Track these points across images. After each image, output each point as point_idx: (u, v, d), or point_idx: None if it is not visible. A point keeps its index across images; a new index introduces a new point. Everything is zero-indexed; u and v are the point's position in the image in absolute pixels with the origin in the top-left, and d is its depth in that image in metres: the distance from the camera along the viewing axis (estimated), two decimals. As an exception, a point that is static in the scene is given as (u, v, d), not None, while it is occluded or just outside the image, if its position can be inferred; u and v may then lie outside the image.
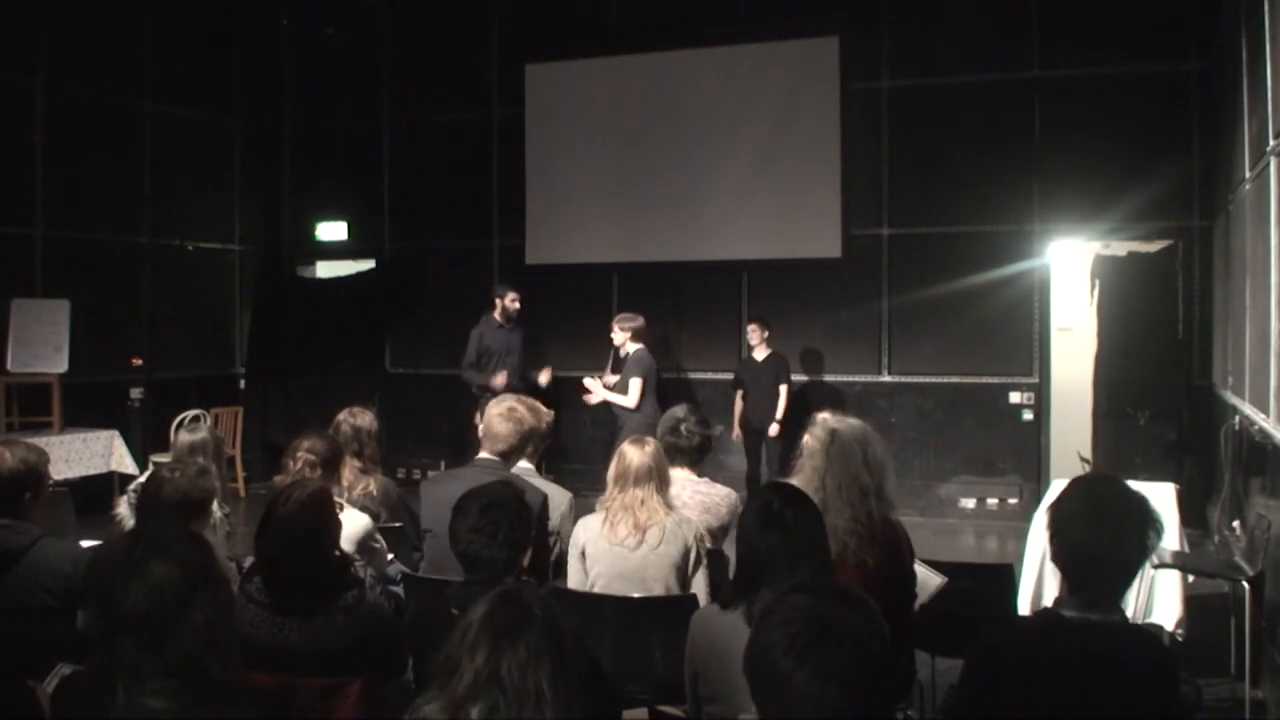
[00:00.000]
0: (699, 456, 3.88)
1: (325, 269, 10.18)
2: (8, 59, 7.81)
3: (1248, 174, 5.34)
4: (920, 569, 3.22)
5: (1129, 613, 4.06)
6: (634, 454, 3.45)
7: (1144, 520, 2.08)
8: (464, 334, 7.80)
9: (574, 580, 3.45)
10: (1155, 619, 4.42)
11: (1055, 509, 2.14)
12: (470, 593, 2.32)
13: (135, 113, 8.78)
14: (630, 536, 3.34)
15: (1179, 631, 4.43)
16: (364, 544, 3.60)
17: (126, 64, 8.73)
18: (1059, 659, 2.03)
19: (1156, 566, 4.38)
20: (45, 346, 7.61)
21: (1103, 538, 2.05)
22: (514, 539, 2.66)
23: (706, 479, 3.91)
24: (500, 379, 7.38)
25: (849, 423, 3.06)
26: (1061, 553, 2.11)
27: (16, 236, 7.90)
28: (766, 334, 7.69)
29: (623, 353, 7.26)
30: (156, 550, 1.81)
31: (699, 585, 3.34)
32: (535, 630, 1.74)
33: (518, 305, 7.81)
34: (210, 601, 1.79)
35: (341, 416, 4.35)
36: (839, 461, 2.97)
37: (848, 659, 1.55)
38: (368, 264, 9.78)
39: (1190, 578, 4.63)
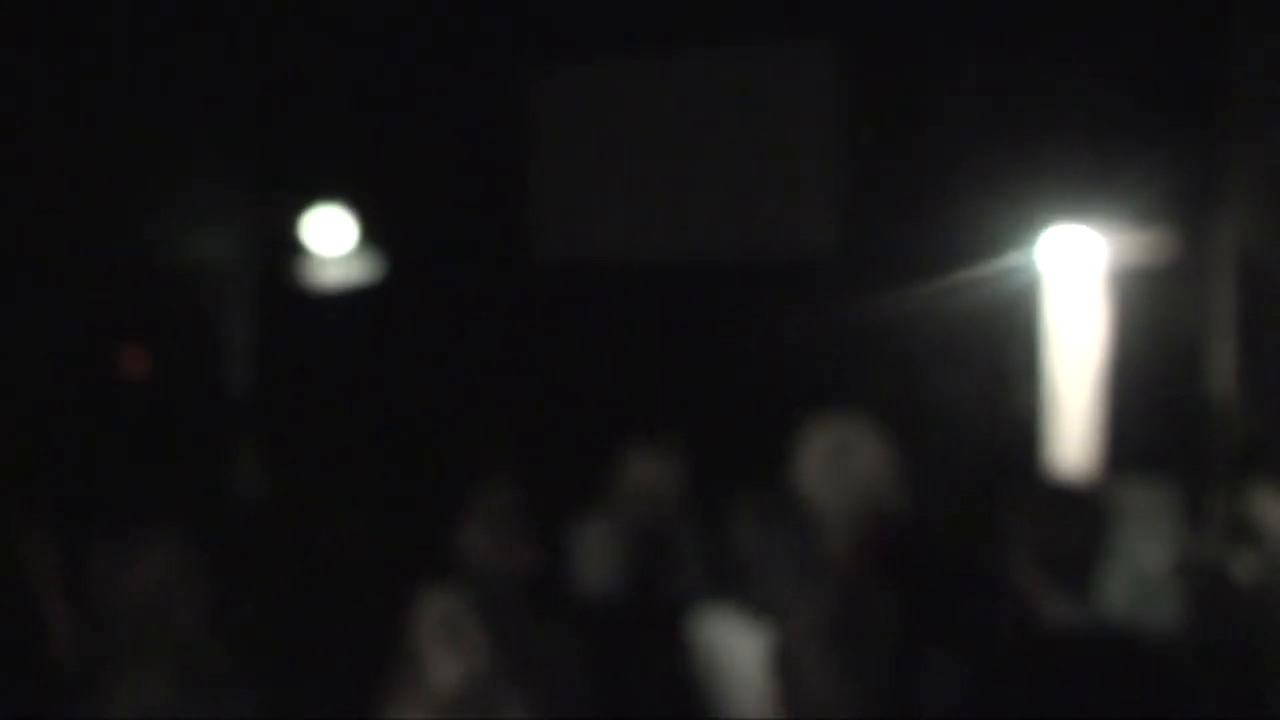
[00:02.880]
0: None
1: (325, 273, 10.12)
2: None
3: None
4: None
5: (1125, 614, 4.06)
6: (636, 456, 3.45)
7: (1091, 503, 2.08)
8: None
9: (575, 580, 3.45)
10: (1153, 620, 4.42)
11: (1013, 523, 2.13)
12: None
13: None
14: (629, 535, 3.33)
15: (1177, 631, 4.42)
16: None
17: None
18: (1053, 674, 1.99)
19: (1155, 568, 4.38)
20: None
21: (1066, 532, 2.05)
22: (512, 543, 2.66)
23: None
24: None
25: (837, 421, 3.05)
26: (1030, 560, 2.09)
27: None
28: None
29: None
30: (138, 541, 1.83)
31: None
32: (478, 610, 1.77)
33: None
34: (198, 583, 1.82)
35: None
36: (825, 460, 2.96)
37: (869, 649, 1.57)
38: (368, 268, 9.73)
39: (1188, 578, 4.62)
